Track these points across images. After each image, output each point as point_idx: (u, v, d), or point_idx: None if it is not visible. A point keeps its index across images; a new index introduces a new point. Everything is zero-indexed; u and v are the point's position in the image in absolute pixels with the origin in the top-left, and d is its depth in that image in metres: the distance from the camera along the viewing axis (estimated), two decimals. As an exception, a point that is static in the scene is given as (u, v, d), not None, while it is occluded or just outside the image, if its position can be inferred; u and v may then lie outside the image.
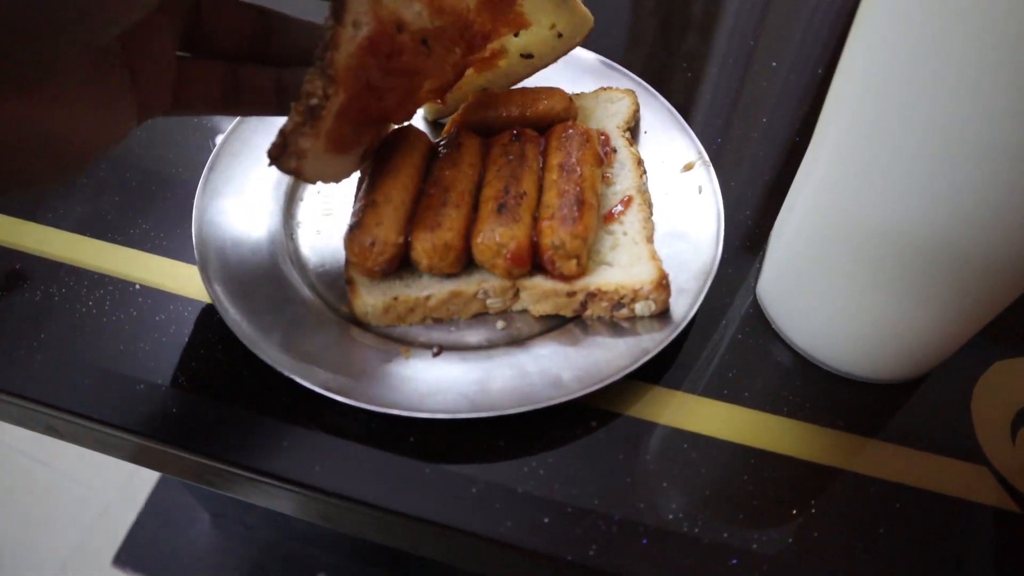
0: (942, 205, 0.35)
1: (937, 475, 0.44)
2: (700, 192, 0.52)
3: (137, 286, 0.50)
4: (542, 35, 0.51)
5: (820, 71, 0.70)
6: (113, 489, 1.34)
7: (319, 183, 0.44)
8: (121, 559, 1.18)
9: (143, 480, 1.29)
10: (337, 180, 0.45)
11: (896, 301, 0.41)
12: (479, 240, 0.44)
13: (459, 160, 0.48)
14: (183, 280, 0.51)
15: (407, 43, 0.41)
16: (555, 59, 0.54)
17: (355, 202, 0.50)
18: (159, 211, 0.55)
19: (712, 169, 0.53)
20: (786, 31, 0.75)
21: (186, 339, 0.48)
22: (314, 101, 0.38)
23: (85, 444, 0.49)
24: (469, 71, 0.52)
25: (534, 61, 0.53)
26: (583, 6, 0.50)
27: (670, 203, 0.52)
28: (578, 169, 0.47)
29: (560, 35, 0.51)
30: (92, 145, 0.36)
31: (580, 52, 0.62)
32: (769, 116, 0.65)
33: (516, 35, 0.50)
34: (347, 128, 0.42)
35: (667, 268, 0.46)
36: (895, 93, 0.33)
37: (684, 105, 0.61)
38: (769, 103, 0.66)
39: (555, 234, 0.44)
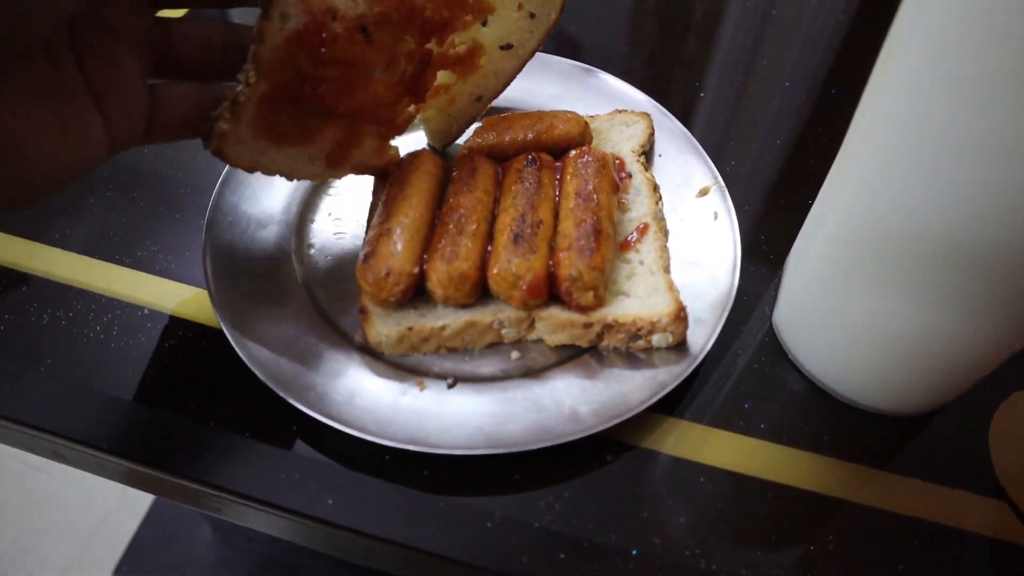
0: (981, 220, 0.34)
1: (955, 510, 0.44)
2: (716, 218, 0.51)
3: (145, 310, 0.50)
4: (513, 19, 0.49)
5: (833, 91, 0.69)
6: (112, 497, 1.34)
7: (334, 212, 0.43)
8: (122, 570, 1.17)
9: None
10: (291, 175, 0.44)
11: (920, 328, 0.41)
12: (495, 271, 0.44)
13: (474, 186, 0.48)
14: (192, 305, 0.50)
15: (342, 32, 0.41)
16: (537, 44, 0.51)
17: (368, 228, 0.50)
18: (167, 233, 0.54)
19: (728, 195, 0.53)
20: (798, 50, 0.75)
21: (195, 367, 0.47)
22: (238, 88, 0.39)
23: (92, 471, 0.48)
24: (453, 76, 0.50)
25: (516, 50, 0.51)
26: None
27: (686, 229, 0.51)
28: (595, 197, 0.47)
29: (532, 15, 0.50)
30: (58, 165, 0.36)
31: (593, 72, 0.62)
32: (783, 137, 0.64)
33: (484, 24, 0.49)
34: (284, 118, 0.41)
35: (683, 298, 0.46)
36: (937, 114, 0.32)
37: (697, 126, 0.61)
38: (783, 124, 0.66)
39: (573, 265, 0.44)
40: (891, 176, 0.36)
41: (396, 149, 0.49)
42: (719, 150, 0.61)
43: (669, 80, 0.70)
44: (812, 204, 0.49)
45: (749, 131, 0.65)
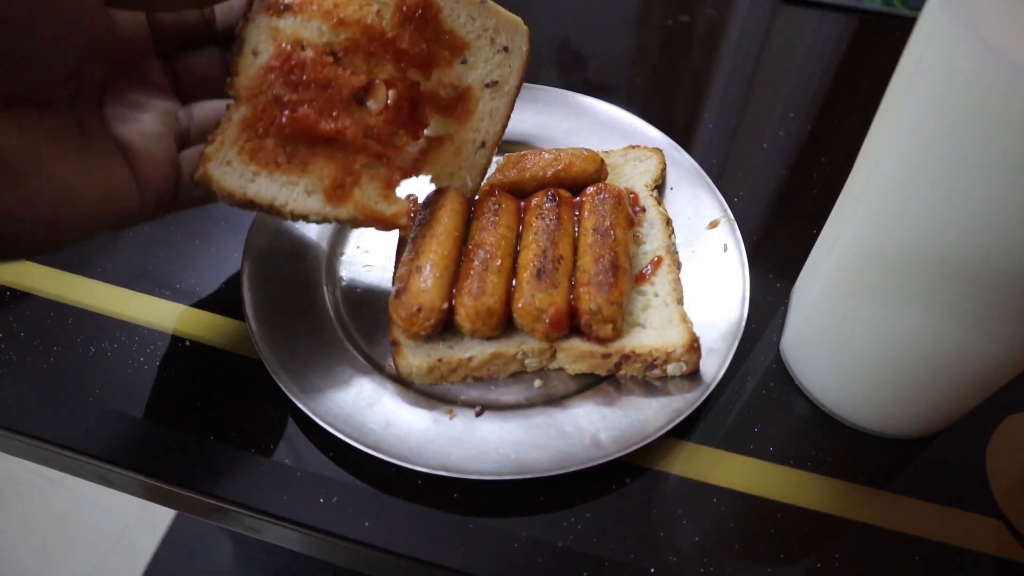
0: (992, 241, 0.35)
1: (955, 529, 0.46)
2: (725, 250, 0.54)
3: (187, 342, 0.52)
4: (489, 55, 0.52)
5: (835, 120, 0.72)
6: (130, 512, 1.36)
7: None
8: (143, 584, 1.20)
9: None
10: (287, 207, 0.45)
11: (925, 352, 0.43)
12: (520, 306, 0.47)
13: (497, 222, 0.51)
14: (231, 335, 0.53)
15: (312, 58, 0.44)
16: (518, 80, 0.53)
17: (398, 262, 0.53)
18: (204, 266, 0.57)
19: (736, 227, 0.56)
20: (798, 81, 0.78)
21: (237, 397, 0.50)
22: (223, 116, 0.43)
23: (137, 495, 0.51)
24: (452, 122, 0.52)
25: (501, 87, 0.53)
26: (504, 10, 0.52)
27: (697, 261, 0.54)
28: (612, 233, 0.50)
29: (506, 48, 0.52)
30: (86, 212, 0.38)
31: (605, 106, 0.65)
32: (788, 168, 0.67)
33: (465, 62, 0.51)
34: (269, 143, 0.44)
35: (696, 328, 0.49)
36: (947, 141, 0.33)
37: (705, 159, 0.64)
38: (787, 155, 0.68)
39: (592, 300, 0.46)
40: (904, 200, 0.38)
41: (406, 203, 0.50)
42: (727, 182, 0.64)
43: (678, 113, 0.73)
44: (817, 233, 0.51)
45: (755, 162, 0.68)
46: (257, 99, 0.44)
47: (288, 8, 0.44)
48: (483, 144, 0.53)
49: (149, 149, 0.42)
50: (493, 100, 0.52)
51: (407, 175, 0.50)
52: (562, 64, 0.79)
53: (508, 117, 0.54)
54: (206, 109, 0.47)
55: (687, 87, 0.76)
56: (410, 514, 0.45)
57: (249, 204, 0.44)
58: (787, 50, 0.81)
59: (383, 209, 0.49)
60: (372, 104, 0.47)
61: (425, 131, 0.50)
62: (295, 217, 0.46)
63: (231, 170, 0.43)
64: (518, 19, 0.52)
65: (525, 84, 0.65)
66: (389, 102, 0.47)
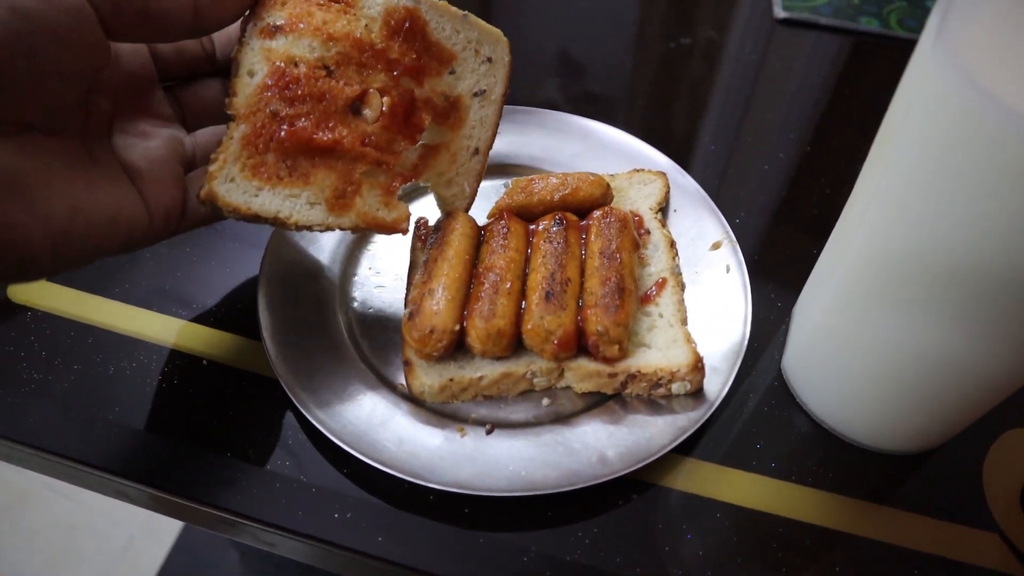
0: (999, 253, 0.35)
1: (952, 543, 0.47)
2: (728, 271, 0.56)
3: (204, 362, 0.54)
4: (475, 66, 0.53)
5: (834, 143, 0.74)
6: (136, 524, 1.37)
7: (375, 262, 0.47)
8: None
9: (166, 514, 1.32)
10: (292, 218, 0.46)
11: (925, 369, 0.44)
12: (529, 327, 0.48)
13: (507, 246, 0.52)
14: (247, 354, 0.54)
15: (305, 73, 0.46)
16: (504, 88, 0.55)
17: (409, 285, 0.54)
18: (219, 286, 0.59)
19: (738, 248, 0.57)
20: (799, 101, 0.79)
21: (254, 416, 0.51)
22: (225, 136, 0.45)
23: (155, 509, 0.52)
24: (445, 131, 0.53)
25: (489, 96, 0.54)
26: (484, 23, 0.53)
27: (700, 282, 0.56)
28: (618, 256, 0.51)
29: (489, 59, 0.53)
30: (94, 234, 0.40)
31: (610, 130, 0.66)
32: (789, 189, 0.69)
33: (453, 73, 0.52)
34: (270, 158, 0.46)
35: (699, 348, 0.50)
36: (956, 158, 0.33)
37: (707, 180, 0.65)
38: (787, 175, 0.70)
39: (599, 322, 0.48)
40: (904, 222, 0.39)
41: (406, 207, 0.51)
42: (728, 202, 0.65)
43: (679, 134, 0.75)
44: (817, 253, 0.53)
45: (755, 182, 0.69)
46: (255, 116, 0.45)
47: (279, 29, 0.47)
48: (476, 151, 0.55)
49: (156, 173, 0.44)
50: (482, 108, 0.54)
51: (406, 180, 0.51)
52: (560, 85, 0.80)
53: (497, 124, 0.55)
54: (209, 133, 0.50)
55: (688, 108, 0.78)
56: (422, 529, 0.46)
57: (255, 218, 0.46)
58: (785, 71, 0.83)
59: (384, 216, 0.50)
60: (368, 112, 0.48)
61: (421, 139, 0.52)
62: (299, 228, 0.47)
63: (235, 186, 0.45)
64: (498, 31, 0.54)
65: (531, 109, 0.67)
66: (384, 109, 0.49)
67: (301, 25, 0.47)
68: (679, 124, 0.76)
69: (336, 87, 0.47)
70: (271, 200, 0.46)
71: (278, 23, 0.47)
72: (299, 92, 0.46)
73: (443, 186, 0.55)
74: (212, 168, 0.45)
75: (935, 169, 0.35)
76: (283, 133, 0.46)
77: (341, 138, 0.47)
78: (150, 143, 0.45)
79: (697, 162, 0.71)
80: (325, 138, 0.47)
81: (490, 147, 0.56)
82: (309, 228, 0.47)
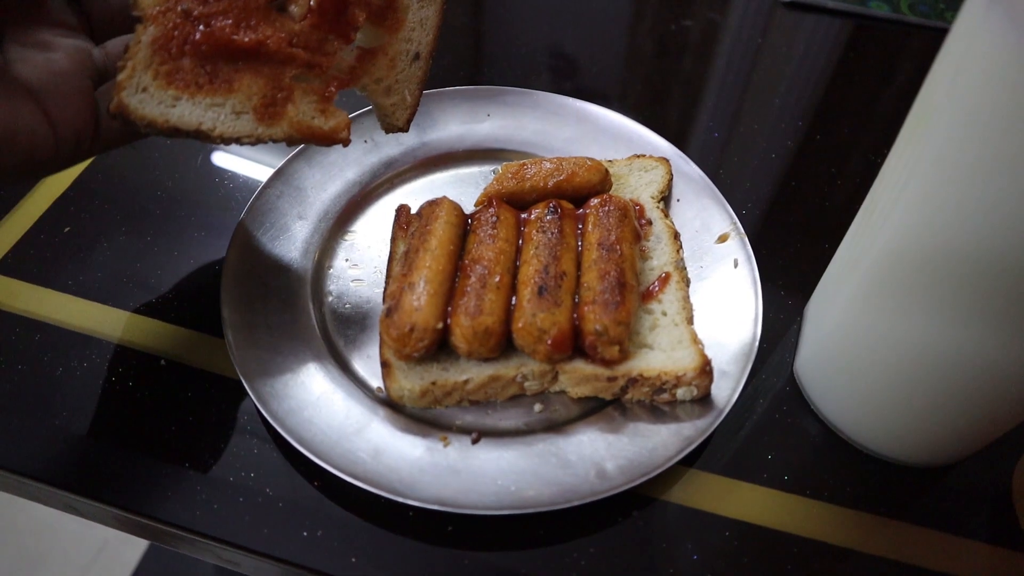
0: None
1: (981, 563, 0.43)
2: (736, 266, 0.51)
3: (162, 362, 0.49)
4: None
5: (845, 131, 0.70)
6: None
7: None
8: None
9: (141, 517, 1.27)
10: (216, 130, 0.42)
11: (958, 371, 0.40)
12: (520, 325, 0.44)
13: (495, 235, 0.48)
14: (210, 354, 0.49)
15: None
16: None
17: (389, 277, 0.50)
18: (182, 279, 0.54)
19: (747, 241, 0.53)
20: (808, 88, 0.75)
21: (215, 420, 0.47)
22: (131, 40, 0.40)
23: (108, 524, 0.48)
24: (382, 32, 0.49)
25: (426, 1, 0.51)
26: None
27: (706, 277, 0.51)
28: (618, 248, 0.47)
29: None
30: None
31: (607, 113, 0.62)
32: (798, 180, 0.64)
33: None
34: (186, 63, 0.41)
35: (706, 349, 0.46)
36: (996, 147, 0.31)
37: (711, 168, 0.61)
38: (797, 165, 0.66)
39: (598, 320, 0.43)
40: (944, 210, 0.36)
41: (345, 115, 0.47)
42: (733, 193, 0.61)
43: (679, 121, 0.71)
44: (829, 247, 0.49)
45: (762, 173, 0.65)
46: (165, 17, 0.41)
47: None
48: (417, 56, 0.51)
49: (60, 87, 0.40)
50: (421, 9, 0.50)
51: (343, 85, 0.47)
52: (555, 70, 0.76)
53: (438, 28, 0.51)
54: (120, 43, 0.44)
55: (688, 94, 0.74)
56: (401, 549, 0.42)
57: (174, 132, 0.41)
58: (790, 56, 0.78)
59: (320, 124, 0.46)
60: (294, 8, 0.44)
61: (357, 41, 0.48)
62: (226, 141, 0.43)
63: (148, 97, 0.40)
64: None
65: (522, 89, 0.63)
66: (312, 3, 0.44)
67: None
68: (680, 110, 0.72)
69: None
70: (191, 111, 0.41)
71: None
72: None
73: (382, 94, 0.50)
74: (120, 77, 0.40)
75: (989, 147, 0.31)
76: (198, 35, 0.41)
77: (265, 38, 0.43)
78: (51, 55, 0.40)
79: (699, 150, 0.66)
80: (246, 39, 0.42)
81: (432, 52, 0.52)
82: (237, 141, 0.43)
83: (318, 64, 0.45)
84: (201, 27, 0.41)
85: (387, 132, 0.52)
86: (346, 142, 0.47)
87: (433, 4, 0.51)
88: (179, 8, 0.41)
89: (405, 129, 0.52)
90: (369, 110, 0.60)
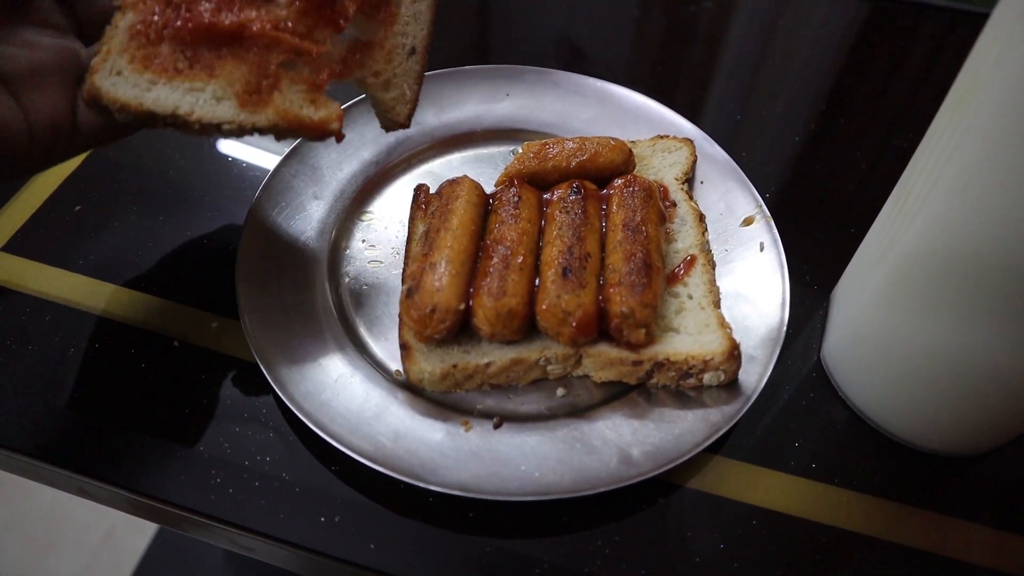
0: None
1: (1011, 554, 0.42)
2: (762, 249, 0.50)
3: (176, 343, 0.48)
4: None
5: (870, 114, 0.68)
6: (118, 513, 1.32)
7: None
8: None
9: (149, 503, 1.27)
10: (194, 115, 0.40)
11: (993, 358, 0.39)
12: (544, 307, 0.43)
13: (518, 216, 0.46)
14: (225, 336, 0.48)
15: None
16: None
17: (408, 257, 0.48)
18: (196, 260, 0.53)
19: (773, 224, 0.51)
20: (833, 71, 0.74)
21: (228, 402, 0.46)
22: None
23: (120, 508, 0.47)
24: (376, 25, 0.47)
25: None
26: None
27: (732, 261, 0.50)
28: (643, 229, 0.45)
29: None
30: None
31: (629, 93, 0.60)
32: (823, 163, 0.63)
33: None
34: (166, 48, 0.40)
35: (733, 334, 0.44)
36: None
37: (735, 151, 0.59)
38: (821, 148, 0.64)
39: (624, 302, 0.42)
40: (982, 199, 0.35)
41: (337, 105, 0.44)
42: (757, 176, 0.59)
43: (702, 103, 0.69)
44: (856, 232, 0.48)
45: (786, 156, 0.63)
46: (145, 3, 0.40)
47: None
48: (413, 50, 0.49)
49: (36, 78, 0.39)
50: (414, 3, 0.49)
51: (335, 76, 0.44)
52: (569, 53, 0.74)
53: (432, 22, 0.50)
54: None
55: (706, 76, 0.72)
56: (420, 536, 0.41)
57: (148, 117, 0.39)
58: (809, 38, 0.77)
59: (309, 114, 0.43)
60: None
61: (350, 34, 0.46)
62: (204, 128, 0.40)
63: (122, 80, 0.39)
64: None
65: (542, 69, 0.62)
66: None
67: None
68: (699, 92, 0.70)
69: None
70: (168, 95, 0.39)
71: None
72: None
73: (381, 88, 0.48)
74: (95, 61, 0.38)
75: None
76: (178, 20, 0.40)
77: (247, 21, 0.41)
78: (34, 53, 0.40)
79: (721, 131, 0.65)
80: (228, 22, 0.40)
81: (428, 47, 0.50)
82: (218, 129, 0.40)
83: (307, 51, 0.43)
84: (181, 11, 0.40)
85: (387, 130, 0.50)
86: (338, 135, 0.44)
87: None
88: None
89: (407, 125, 0.50)
90: (364, 98, 0.58)
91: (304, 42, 0.43)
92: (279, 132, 0.42)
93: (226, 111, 0.41)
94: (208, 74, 0.40)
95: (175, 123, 0.40)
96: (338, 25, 0.44)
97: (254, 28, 0.41)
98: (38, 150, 0.39)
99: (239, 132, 0.41)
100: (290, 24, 0.42)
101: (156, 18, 0.39)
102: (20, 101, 0.38)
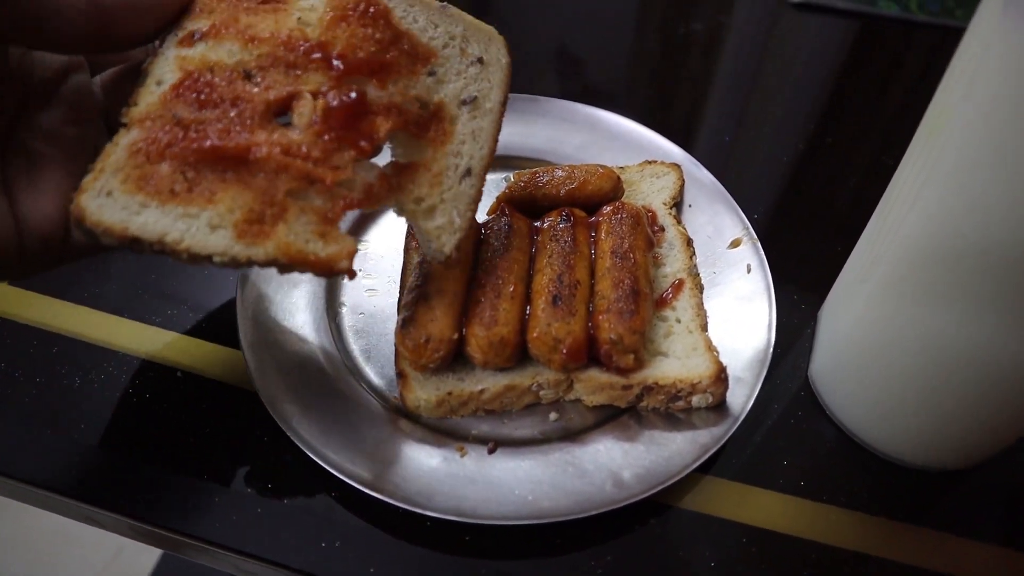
0: None
1: (999, 568, 0.43)
2: (749, 271, 0.51)
3: (179, 373, 0.49)
4: (460, 68, 0.45)
5: (856, 133, 0.69)
6: (125, 532, 1.33)
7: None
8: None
9: (155, 522, 1.28)
10: (183, 243, 0.36)
11: (979, 369, 0.40)
12: (535, 335, 0.44)
13: (509, 245, 0.48)
14: (226, 365, 0.50)
15: (217, 80, 0.39)
16: (502, 96, 0.46)
17: (404, 288, 0.50)
18: (198, 291, 0.54)
19: (760, 246, 0.53)
20: (820, 91, 0.75)
21: (231, 431, 0.47)
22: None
23: (126, 535, 0.48)
24: (427, 147, 0.43)
25: (481, 104, 0.45)
26: (473, 17, 0.46)
27: (719, 283, 0.51)
28: (631, 256, 0.47)
29: (480, 60, 0.45)
30: None
31: (618, 119, 0.62)
32: (810, 183, 0.64)
33: (432, 74, 0.44)
34: (165, 168, 0.37)
35: (721, 356, 0.46)
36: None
37: (721, 174, 0.61)
38: (809, 169, 0.66)
39: (613, 329, 0.43)
40: (966, 210, 0.35)
41: (351, 241, 0.39)
42: (745, 198, 0.61)
43: (689, 126, 0.71)
44: (842, 250, 0.49)
45: (774, 177, 0.65)
46: (153, 123, 0.37)
47: (201, 36, 0.40)
48: (468, 172, 0.44)
49: (36, 182, 0.37)
50: (474, 119, 0.45)
51: (356, 206, 0.40)
52: (562, 73, 0.76)
53: (495, 139, 0.46)
54: (111, 75, 0.42)
55: (696, 97, 0.74)
56: (418, 559, 0.42)
57: (133, 243, 0.36)
58: (800, 59, 0.78)
59: (315, 249, 0.38)
60: (295, 118, 0.39)
61: (393, 156, 0.43)
62: (193, 258, 0.36)
63: (111, 202, 0.36)
64: (490, 27, 0.46)
65: (532, 96, 0.63)
66: (316, 116, 0.39)
67: (224, 30, 0.40)
68: (689, 113, 0.72)
69: (254, 93, 0.39)
70: (157, 219, 0.36)
71: (200, 29, 0.40)
72: (211, 95, 0.38)
73: (423, 215, 0.43)
74: (85, 180, 0.36)
75: (1008, 146, 0.31)
76: (182, 139, 0.37)
77: (254, 144, 0.37)
78: (43, 147, 0.38)
79: (709, 153, 0.66)
80: (232, 143, 0.37)
81: (487, 168, 0.45)
82: (208, 259, 0.37)
83: (320, 179, 0.39)
84: (187, 133, 0.37)
85: (432, 261, 0.45)
86: (350, 273, 0.40)
87: (488, 115, 0.45)
88: (171, 114, 0.37)
89: (452, 257, 0.43)
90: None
91: (317, 168, 0.39)
92: (279, 267, 0.38)
93: (219, 242, 0.37)
94: (207, 199, 0.37)
95: (162, 250, 0.36)
96: (362, 149, 0.40)
97: (262, 152, 0.38)
98: (30, 261, 0.38)
99: (232, 264, 0.37)
100: (304, 148, 0.39)
101: (163, 136, 0.37)
102: (15, 208, 0.37)
